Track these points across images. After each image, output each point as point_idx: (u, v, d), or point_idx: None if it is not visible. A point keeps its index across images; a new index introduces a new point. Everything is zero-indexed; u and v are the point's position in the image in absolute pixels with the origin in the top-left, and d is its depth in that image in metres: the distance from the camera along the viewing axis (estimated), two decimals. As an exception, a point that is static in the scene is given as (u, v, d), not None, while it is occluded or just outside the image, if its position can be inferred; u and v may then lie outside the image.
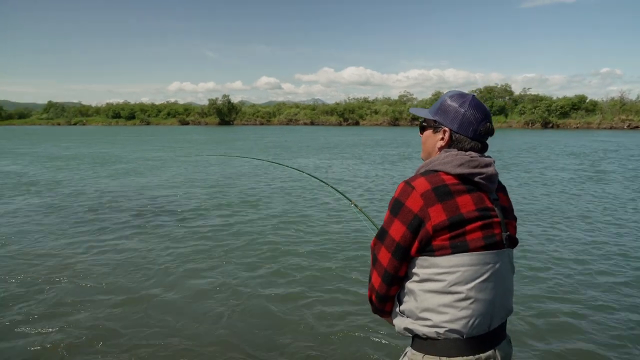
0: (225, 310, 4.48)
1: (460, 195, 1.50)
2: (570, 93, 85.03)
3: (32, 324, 4.15)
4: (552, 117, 67.88)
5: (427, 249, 1.51)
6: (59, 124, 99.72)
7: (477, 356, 1.51)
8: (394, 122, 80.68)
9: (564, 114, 68.12)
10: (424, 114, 1.70)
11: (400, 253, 1.53)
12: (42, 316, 4.33)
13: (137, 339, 3.91)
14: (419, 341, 1.57)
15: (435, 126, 1.65)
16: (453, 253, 1.48)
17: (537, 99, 71.62)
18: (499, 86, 78.24)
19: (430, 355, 1.53)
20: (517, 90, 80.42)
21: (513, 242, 1.61)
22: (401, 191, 1.53)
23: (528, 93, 75.43)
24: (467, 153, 1.57)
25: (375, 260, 1.62)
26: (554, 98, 71.77)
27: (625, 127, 60.86)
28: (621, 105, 65.55)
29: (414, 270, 1.55)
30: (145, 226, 7.71)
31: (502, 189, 1.69)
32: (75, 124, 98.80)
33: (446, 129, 1.60)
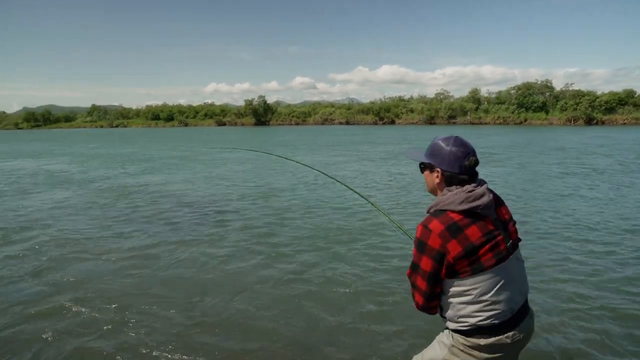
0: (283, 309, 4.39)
1: (468, 228, 1.93)
2: (616, 87, 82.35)
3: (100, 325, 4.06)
4: (597, 113, 66.11)
5: (452, 274, 1.97)
6: (102, 126, 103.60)
7: (505, 335, 2.01)
8: (430, 121, 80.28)
9: (610, 110, 66.21)
10: (422, 158, 2.13)
11: (433, 279, 2.01)
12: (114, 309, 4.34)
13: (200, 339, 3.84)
14: (462, 332, 2.06)
15: (430, 167, 2.09)
16: (473, 274, 1.94)
17: (579, 95, 69.83)
18: (538, 82, 76.60)
19: (471, 337, 2.03)
20: (558, 85, 78.71)
21: (516, 244, 2.07)
22: (421, 233, 1.98)
23: (570, 88, 73.60)
24: (464, 188, 1.97)
25: (414, 285, 2.09)
26: (598, 93, 69.89)
27: (677, 122, 58.75)
28: (673, 100, 63.17)
29: (448, 289, 2.03)
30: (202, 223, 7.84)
31: (500, 203, 2.10)
32: (117, 126, 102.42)
33: (438, 169, 2.04)
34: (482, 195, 1.96)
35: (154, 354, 3.59)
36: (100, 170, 16.48)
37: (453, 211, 1.95)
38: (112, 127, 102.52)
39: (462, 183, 2.01)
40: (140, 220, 8.10)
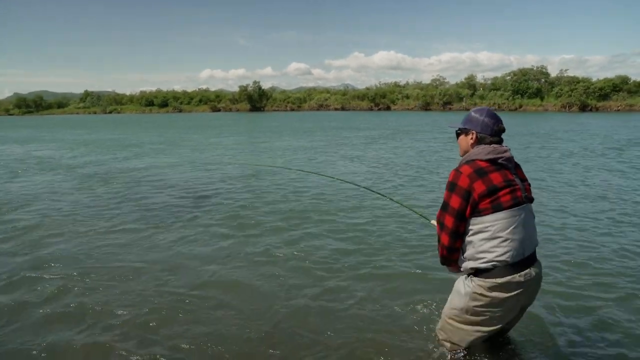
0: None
1: (492, 173, 2.35)
2: (612, 74, 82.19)
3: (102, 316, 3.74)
4: (591, 99, 66.12)
5: (476, 211, 2.35)
6: (95, 113, 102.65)
7: (518, 274, 2.35)
8: (426, 107, 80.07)
9: (604, 96, 66.20)
10: (460, 125, 2.59)
11: (459, 216, 2.38)
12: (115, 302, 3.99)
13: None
14: (479, 271, 2.41)
15: (466, 131, 2.55)
16: (493, 212, 2.32)
17: (574, 81, 69.75)
18: (534, 68, 76.43)
19: (489, 278, 2.37)
20: (553, 72, 78.56)
21: (530, 199, 2.48)
22: (454, 176, 2.41)
23: (565, 75, 73.48)
24: (491, 146, 2.44)
25: (442, 225, 2.47)
26: (594, 80, 69.82)
27: (670, 108, 58.87)
28: (667, 86, 63.21)
29: (470, 227, 2.40)
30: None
31: (518, 166, 2.54)
32: (110, 112, 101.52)
33: (473, 131, 2.50)
34: (505, 151, 2.41)
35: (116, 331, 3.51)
36: (88, 156, 16.33)
37: (481, 160, 2.37)
38: (105, 113, 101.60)
39: (490, 144, 2.45)
40: (122, 204, 8.05)
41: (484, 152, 2.39)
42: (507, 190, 2.33)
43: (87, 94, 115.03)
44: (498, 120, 2.50)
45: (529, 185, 2.53)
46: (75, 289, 4.26)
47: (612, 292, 4.08)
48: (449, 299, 2.70)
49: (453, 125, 2.66)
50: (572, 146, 17.26)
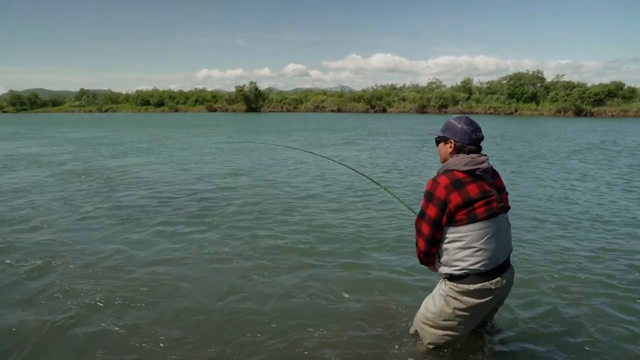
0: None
1: (469, 185, 2.40)
2: (607, 80, 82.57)
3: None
4: (586, 104, 66.34)
5: (452, 221, 2.43)
6: (90, 111, 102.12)
7: (489, 281, 2.45)
8: (422, 110, 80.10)
9: (599, 102, 66.46)
10: (439, 132, 2.62)
11: (435, 225, 2.46)
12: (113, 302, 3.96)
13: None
14: (453, 276, 2.51)
15: (445, 139, 2.59)
16: (468, 223, 2.39)
17: (569, 86, 69.99)
18: (530, 73, 76.57)
19: (462, 284, 2.47)
20: (549, 77, 78.62)
21: (506, 208, 2.55)
22: (431, 186, 2.47)
23: (561, 80, 73.69)
24: (469, 155, 2.47)
25: (419, 231, 2.55)
26: (589, 85, 70.06)
27: (664, 114, 59.17)
28: (661, 92, 63.58)
29: (446, 236, 2.48)
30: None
31: (496, 174, 2.60)
32: (106, 111, 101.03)
33: (452, 140, 2.54)
34: (482, 162, 2.45)
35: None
36: (71, 154, 16.26)
37: (458, 171, 2.42)
38: (101, 112, 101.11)
39: (469, 153, 2.49)
40: (93, 199, 8.22)
41: (462, 162, 2.44)
42: (483, 202, 2.40)
43: (82, 92, 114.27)
44: (476, 129, 2.53)
45: (506, 194, 2.60)
46: (35, 274, 4.56)
47: (570, 293, 4.19)
48: (423, 303, 2.80)
49: (432, 133, 2.71)
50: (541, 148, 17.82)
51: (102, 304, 3.88)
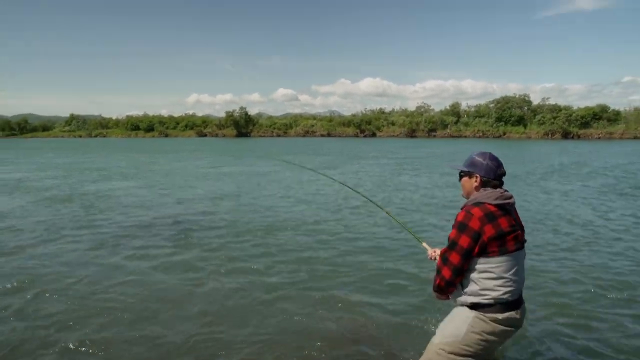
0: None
1: (500, 218, 2.47)
2: (591, 103, 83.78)
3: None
4: (573, 127, 66.89)
5: (483, 253, 2.46)
6: (80, 136, 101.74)
7: (515, 311, 2.53)
8: (411, 134, 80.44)
9: (585, 124, 67.06)
10: (464, 168, 2.68)
11: (466, 255, 2.49)
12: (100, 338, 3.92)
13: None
14: (481, 305, 2.52)
15: (469, 174, 2.65)
16: (500, 255, 2.46)
17: (556, 109, 70.71)
18: (517, 96, 77.42)
19: (490, 313, 2.51)
20: (535, 100, 79.52)
21: (524, 242, 2.61)
22: (464, 217, 2.50)
23: (547, 103, 74.51)
24: (497, 190, 2.55)
25: (446, 260, 2.56)
26: (574, 108, 70.79)
27: (649, 136, 59.71)
28: (645, 115, 64.40)
29: (476, 266, 2.51)
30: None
31: (516, 210, 2.65)
32: (95, 136, 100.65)
33: (477, 175, 2.61)
34: (510, 197, 2.56)
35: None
36: (50, 179, 16.11)
37: (490, 204, 2.49)
38: (91, 137, 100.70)
39: (494, 187, 2.59)
40: (70, 223, 8.30)
41: (493, 196, 2.51)
42: (512, 235, 2.48)
43: (72, 117, 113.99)
44: (500, 165, 2.63)
45: (524, 229, 2.67)
46: (7, 297, 4.74)
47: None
48: (440, 329, 2.75)
49: (456, 167, 2.77)
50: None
51: (74, 327, 4.03)
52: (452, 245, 2.53)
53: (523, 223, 2.70)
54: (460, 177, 2.75)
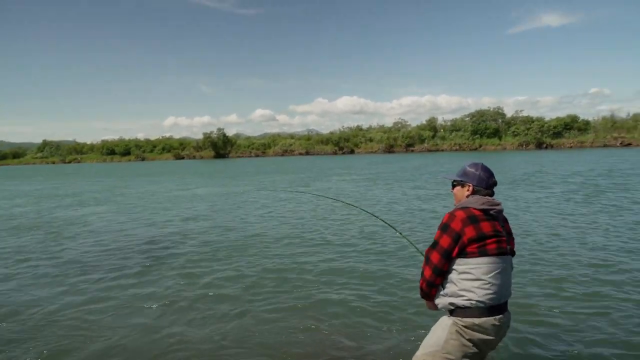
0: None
1: (483, 222, 2.52)
2: (561, 113, 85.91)
3: None
4: (546, 137, 68.22)
5: (462, 254, 2.50)
6: (53, 162, 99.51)
7: (492, 317, 2.50)
8: (389, 149, 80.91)
9: (557, 134, 68.50)
10: (457, 177, 2.76)
11: (446, 255, 2.53)
12: None
13: None
14: (458, 310, 2.53)
15: (462, 183, 2.73)
16: (479, 256, 2.48)
17: (529, 120, 72.14)
18: (491, 109, 78.83)
19: (468, 317, 2.50)
20: (509, 112, 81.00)
21: (513, 253, 2.66)
22: (448, 218, 2.55)
23: (520, 115, 75.99)
24: (485, 197, 2.62)
25: (428, 260, 2.61)
26: (546, 119, 72.35)
27: (618, 144, 61.20)
28: (612, 124, 66.14)
29: (455, 267, 2.55)
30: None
31: (506, 220, 2.71)
32: (70, 162, 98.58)
33: (470, 184, 2.69)
34: (498, 204, 2.63)
35: None
36: (28, 207, 15.72)
37: (475, 208, 2.56)
38: (65, 162, 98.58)
39: (484, 196, 2.66)
40: (32, 251, 8.09)
41: (478, 202, 2.58)
42: (494, 239, 2.50)
43: (45, 143, 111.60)
44: (492, 175, 2.71)
45: (513, 240, 2.71)
46: None
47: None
48: (423, 341, 2.75)
49: (449, 177, 2.85)
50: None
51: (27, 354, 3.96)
52: (433, 244, 2.61)
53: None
54: (453, 186, 2.84)
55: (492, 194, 2.69)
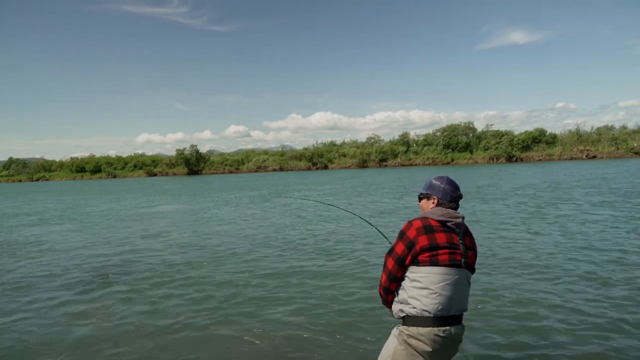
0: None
1: (438, 232, 2.56)
2: (530, 127, 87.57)
3: None
4: (515, 150, 69.16)
5: (415, 261, 2.55)
6: (20, 180, 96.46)
7: (438, 328, 2.49)
8: (363, 165, 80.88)
9: (526, 147, 69.52)
10: (423, 190, 2.85)
11: (399, 261, 2.59)
12: None
13: None
14: (407, 319, 2.57)
15: (427, 196, 2.81)
16: (430, 265, 2.51)
17: (499, 135, 73.12)
18: (462, 124, 79.77)
19: (412, 326, 2.52)
20: (479, 127, 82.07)
21: (470, 267, 2.64)
22: (405, 227, 2.61)
23: (490, 129, 77.06)
24: (445, 209, 2.65)
25: (384, 266, 2.68)
26: (516, 133, 73.47)
27: (584, 157, 62.34)
28: (578, 137, 67.53)
29: (407, 275, 2.60)
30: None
31: (469, 234, 2.71)
32: (37, 180, 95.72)
33: (435, 197, 2.76)
34: (457, 217, 2.65)
35: None
36: None
37: (433, 219, 2.62)
38: (32, 180, 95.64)
39: (447, 208, 2.69)
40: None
41: (438, 213, 2.63)
42: (447, 250, 2.52)
43: (11, 160, 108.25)
44: (456, 188, 2.76)
45: (473, 254, 2.67)
46: None
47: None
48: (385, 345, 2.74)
49: (416, 190, 2.94)
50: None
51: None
52: (390, 251, 2.66)
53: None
54: (420, 199, 2.90)
55: (456, 207, 2.74)
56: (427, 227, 2.56)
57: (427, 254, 2.50)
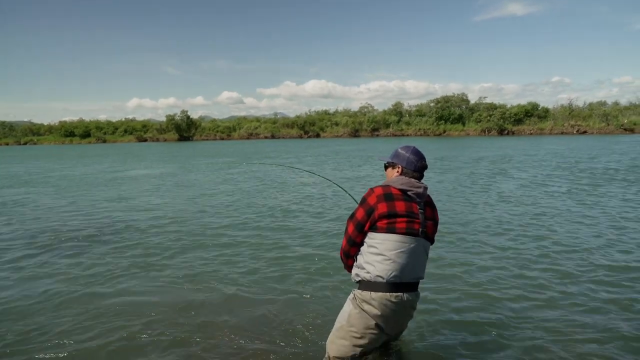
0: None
1: (398, 200, 2.61)
2: (525, 101, 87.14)
3: None
4: (507, 124, 69.06)
5: (373, 228, 2.60)
6: (7, 144, 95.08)
7: (390, 294, 2.55)
8: (355, 134, 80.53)
9: (518, 121, 69.38)
10: (388, 159, 2.87)
11: (359, 227, 2.65)
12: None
13: None
14: (361, 283, 2.65)
15: (393, 164, 2.85)
16: (386, 232, 2.56)
17: (492, 107, 72.77)
18: (455, 96, 79.20)
19: (366, 291, 2.59)
20: (473, 99, 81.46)
21: (428, 237, 2.69)
22: (367, 193, 2.69)
23: (484, 101, 76.60)
24: (409, 179, 2.70)
25: (345, 230, 2.74)
26: (509, 106, 73.13)
27: (575, 132, 62.47)
28: (570, 112, 67.41)
29: (366, 240, 2.66)
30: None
31: (430, 205, 2.76)
32: (25, 144, 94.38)
33: (399, 165, 2.80)
34: (418, 187, 2.68)
35: None
36: None
37: (394, 187, 2.67)
38: (19, 144, 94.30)
39: (411, 178, 2.74)
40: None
41: (399, 181, 2.67)
42: (405, 219, 2.56)
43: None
44: (421, 158, 2.79)
45: (433, 224, 2.72)
46: None
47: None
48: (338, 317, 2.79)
49: (382, 159, 2.96)
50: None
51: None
52: (351, 216, 2.71)
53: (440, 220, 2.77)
54: (385, 167, 2.93)
55: (420, 177, 2.77)
56: (387, 195, 2.61)
57: (385, 221, 2.56)
